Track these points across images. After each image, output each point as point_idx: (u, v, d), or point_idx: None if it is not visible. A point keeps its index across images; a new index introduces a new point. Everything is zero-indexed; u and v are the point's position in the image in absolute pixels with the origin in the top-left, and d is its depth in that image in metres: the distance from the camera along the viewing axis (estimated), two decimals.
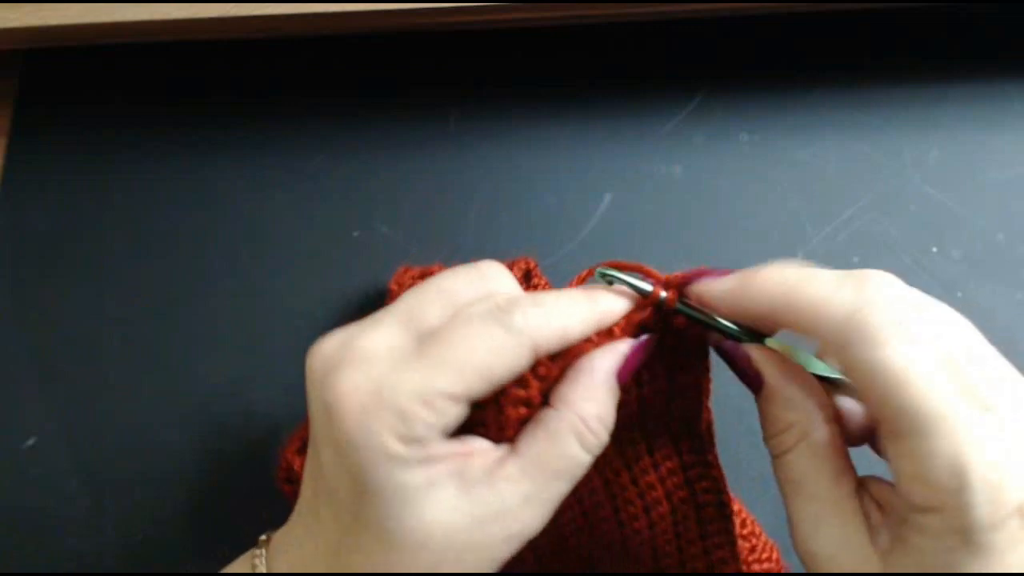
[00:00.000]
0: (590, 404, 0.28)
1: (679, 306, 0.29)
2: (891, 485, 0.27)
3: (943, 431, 0.24)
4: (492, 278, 0.29)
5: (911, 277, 0.27)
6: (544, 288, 0.40)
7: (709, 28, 0.49)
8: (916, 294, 0.27)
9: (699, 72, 0.48)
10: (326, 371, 0.27)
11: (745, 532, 0.36)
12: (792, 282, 0.27)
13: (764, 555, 0.36)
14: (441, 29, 0.48)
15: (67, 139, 0.48)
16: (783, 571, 0.36)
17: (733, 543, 0.32)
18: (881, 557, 0.26)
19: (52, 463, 0.42)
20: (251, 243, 0.46)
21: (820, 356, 0.30)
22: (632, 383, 0.30)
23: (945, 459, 0.24)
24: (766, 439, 0.30)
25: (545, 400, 0.28)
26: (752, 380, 0.30)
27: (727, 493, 0.33)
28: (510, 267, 0.39)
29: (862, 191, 0.46)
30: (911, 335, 0.25)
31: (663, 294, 0.29)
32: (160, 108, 0.49)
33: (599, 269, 0.30)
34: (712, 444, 0.33)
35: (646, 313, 0.29)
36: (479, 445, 0.28)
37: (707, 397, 0.32)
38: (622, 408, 0.29)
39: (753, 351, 0.29)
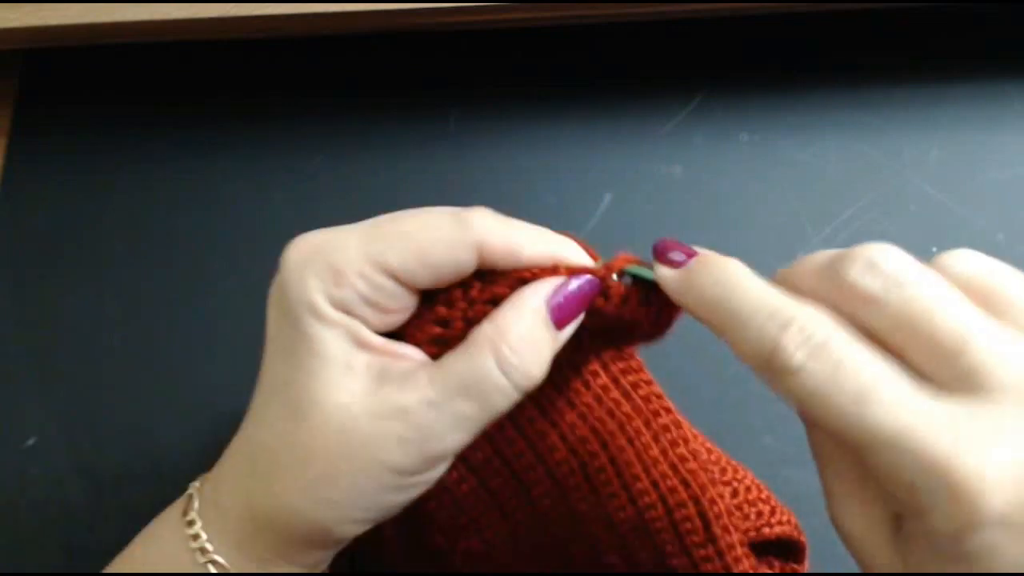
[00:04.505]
0: (513, 323, 0.27)
1: (632, 269, 0.29)
2: None
3: (876, 443, 0.23)
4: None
5: None
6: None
7: (709, 28, 0.49)
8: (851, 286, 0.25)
9: (699, 72, 0.48)
10: (289, 244, 0.28)
11: (764, 496, 0.35)
12: (723, 293, 0.26)
13: (784, 518, 0.35)
14: (441, 29, 0.48)
15: (67, 139, 0.48)
16: (801, 534, 0.36)
17: (696, 454, 0.32)
18: (898, 548, 0.25)
19: (52, 463, 0.42)
20: (251, 243, 0.46)
21: None
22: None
23: (888, 472, 0.23)
24: (798, 413, 0.28)
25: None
26: None
27: (666, 398, 0.32)
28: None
29: (862, 191, 0.46)
30: (823, 354, 0.24)
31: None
32: (160, 108, 0.49)
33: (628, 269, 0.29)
34: (634, 352, 0.32)
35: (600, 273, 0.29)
36: (411, 352, 0.28)
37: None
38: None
39: None
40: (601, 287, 0.29)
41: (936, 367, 0.23)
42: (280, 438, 0.27)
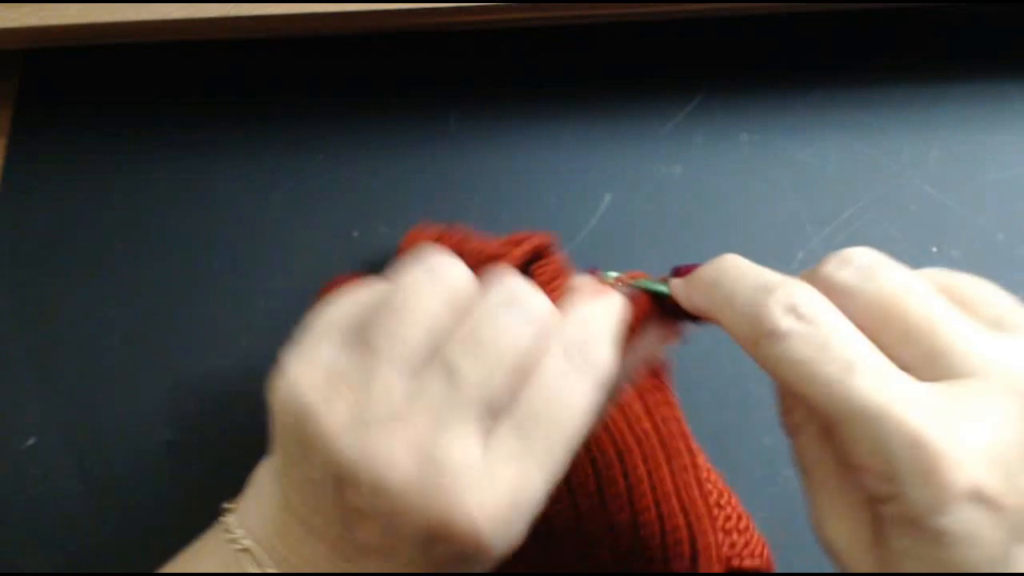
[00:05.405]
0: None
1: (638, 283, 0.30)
2: None
3: (859, 417, 0.23)
4: (532, 302, 0.27)
5: None
6: (554, 265, 0.40)
7: (709, 28, 0.49)
8: (847, 273, 0.25)
9: (699, 72, 0.48)
10: (422, 487, 0.24)
11: (741, 527, 0.36)
12: (714, 275, 0.27)
13: (756, 551, 0.36)
14: (441, 29, 0.48)
15: (67, 139, 0.48)
16: (771, 568, 0.36)
17: (701, 482, 0.33)
18: (878, 553, 0.24)
19: (52, 463, 0.42)
20: (251, 243, 0.46)
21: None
22: None
23: (868, 447, 0.23)
24: (781, 421, 0.28)
25: None
26: None
27: (684, 423, 0.33)
28: (522, 240, 0.39)
29: (862, 191, 0.46)
30: (818, 319, 0.24)
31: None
32: (160, 108, 0.49)
33: (634, 282, 0.30)
34: (664, 371, 0.33)
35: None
36: None
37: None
38: None
39: None
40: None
41: (909, 353, 0.24)
42: None
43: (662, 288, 0.30)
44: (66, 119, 0.49)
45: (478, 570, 0.25)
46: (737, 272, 0.26)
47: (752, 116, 0.47)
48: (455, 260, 0.28)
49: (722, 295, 0.26)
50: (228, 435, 0.43)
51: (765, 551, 0.36)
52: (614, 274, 0.30)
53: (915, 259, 0.44)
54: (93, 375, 0.44)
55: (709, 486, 0.36)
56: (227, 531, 0.28)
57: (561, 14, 0.44)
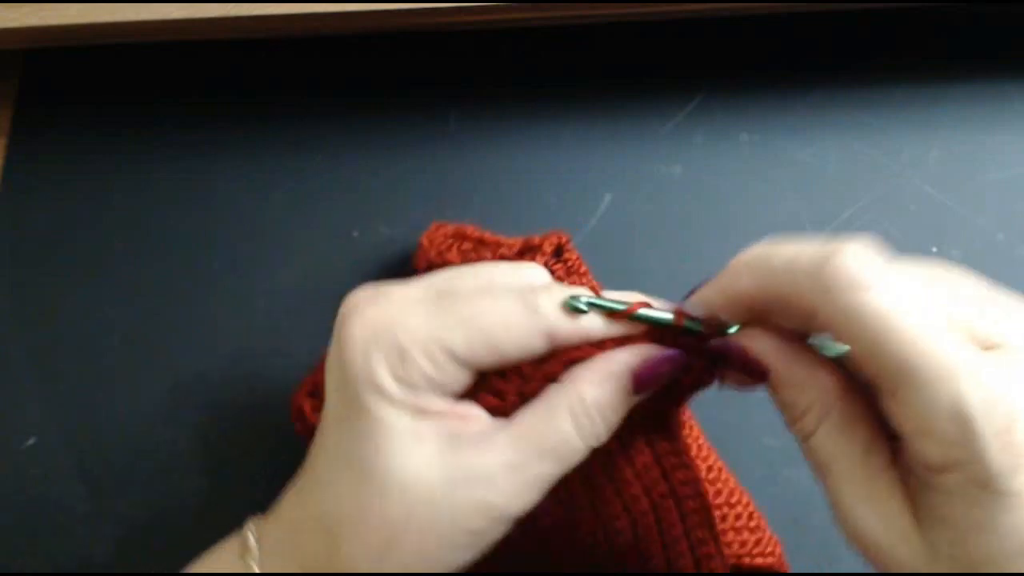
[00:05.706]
0: (594, 389, 0.28)
1: (640, 313, 0.29)
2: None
3: (938, 376, 0.23)
4: (531, 274, 0.29)
5: None
6: (575, 263, 0.40)
7: (709, 28, 0.49)
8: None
9: (699, 72, 0.48)
10: (349, 311, 0.28)
11: (752, 525, 0.36)
12: (763, 252, 0.27)
13: (768, 549, 0.36)
14: (441, 29, 0.48)
15: (67, 139, 0.48)
16: (784, 566, 0.36)
17: (717, 537, 0.32)
18: (921, 531, 0.25)
19: (52, 463, 0.42)
20: (251, 243, 0.46)
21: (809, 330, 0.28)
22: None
23: (945, 407, 0.23)
24: (788, 427, 0.28)
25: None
26: (755, 371, 0.28)
27: (703, 483, 0.32)
28: (541, 242, 0.39)
29: (862, 191, 0.46)
30: (891, 276, 0.24)
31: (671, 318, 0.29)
32: (160, 108, 0.49)
33: (640, 312, 0.29)
34: (679, 433, 0.32)
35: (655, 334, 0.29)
36: (476, 412, 0.28)
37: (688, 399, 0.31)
38: None
39: (749, 339, 0.28)
40: (687, 362, 0.29)
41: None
42: (352, 507, 0.27)
43: (664, 317, 0.29)
44: (66, 119, 0.49)
45: (363, 415, 0.27)
46: (786, 244, 0.27)
47: (752, 116, 0.47)
48: (543, 270, 0.31)
49: (780, 262, 0.26)
50: (228, 435, 0.43)
51: (777, 549, 0.36)
52: (622, 305, 0.29)
53: (915, 259, 0.45)
54: (93, 375, 0.44)
55: (719, 485, 0.36)
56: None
57: (561, 14, 0.44)
